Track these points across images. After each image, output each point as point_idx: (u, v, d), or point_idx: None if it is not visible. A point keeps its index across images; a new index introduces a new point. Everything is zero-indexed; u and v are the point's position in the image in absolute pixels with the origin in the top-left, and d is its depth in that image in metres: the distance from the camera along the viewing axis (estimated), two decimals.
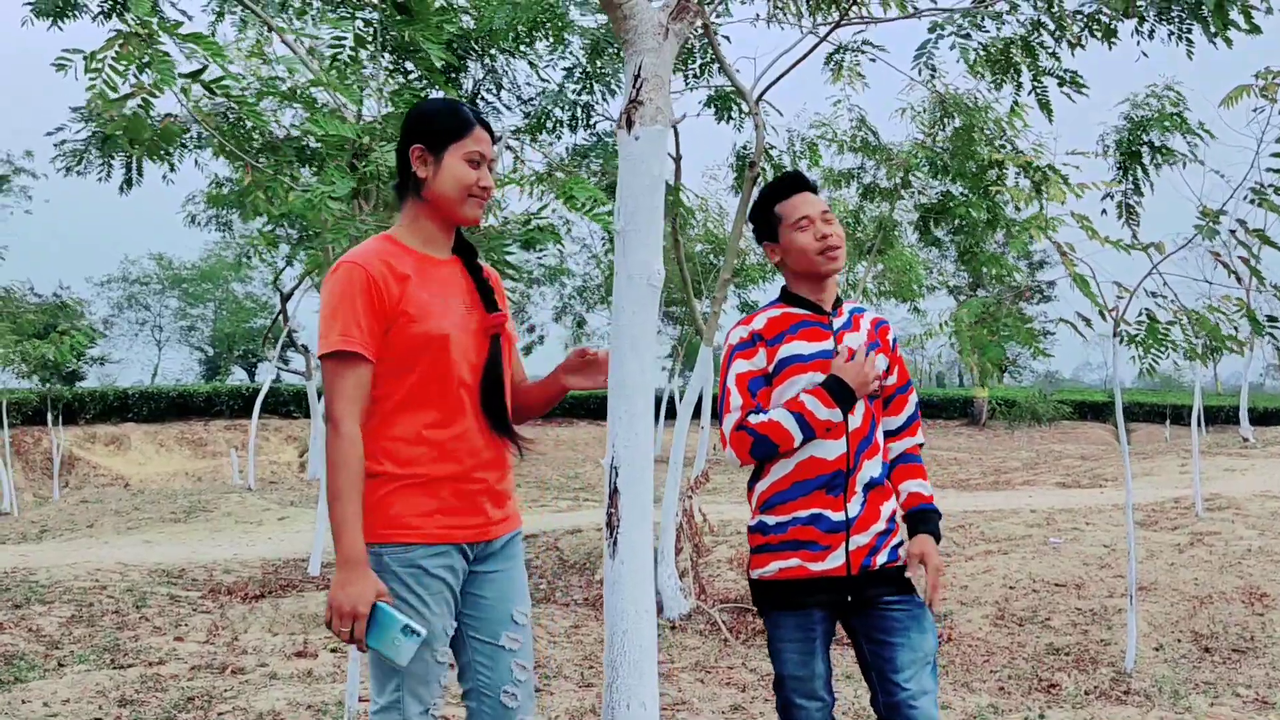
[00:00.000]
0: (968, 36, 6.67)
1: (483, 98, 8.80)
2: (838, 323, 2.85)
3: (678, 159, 9.15)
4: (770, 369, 2.76)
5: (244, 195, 4.14)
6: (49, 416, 23.44)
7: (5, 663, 5.46)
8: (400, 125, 2.59)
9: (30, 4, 6.63)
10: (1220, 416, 35.56)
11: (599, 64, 8.03)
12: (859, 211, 17.31)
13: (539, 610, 7.23)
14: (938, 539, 2.82)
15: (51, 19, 6.68)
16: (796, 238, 2.82)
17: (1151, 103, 9.08)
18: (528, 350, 37.08)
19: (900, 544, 2.85)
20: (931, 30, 6.72)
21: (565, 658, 5.85)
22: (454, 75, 8.66)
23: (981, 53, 6.85)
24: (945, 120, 14.48)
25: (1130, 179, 9.15)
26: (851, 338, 2.84)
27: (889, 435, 2.95)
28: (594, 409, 32.33)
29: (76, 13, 6.56)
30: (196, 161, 7.32)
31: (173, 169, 8.93)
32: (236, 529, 12.49)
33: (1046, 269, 37.25)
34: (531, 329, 34.64)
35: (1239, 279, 5.05)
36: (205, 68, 4.06)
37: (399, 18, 4.13)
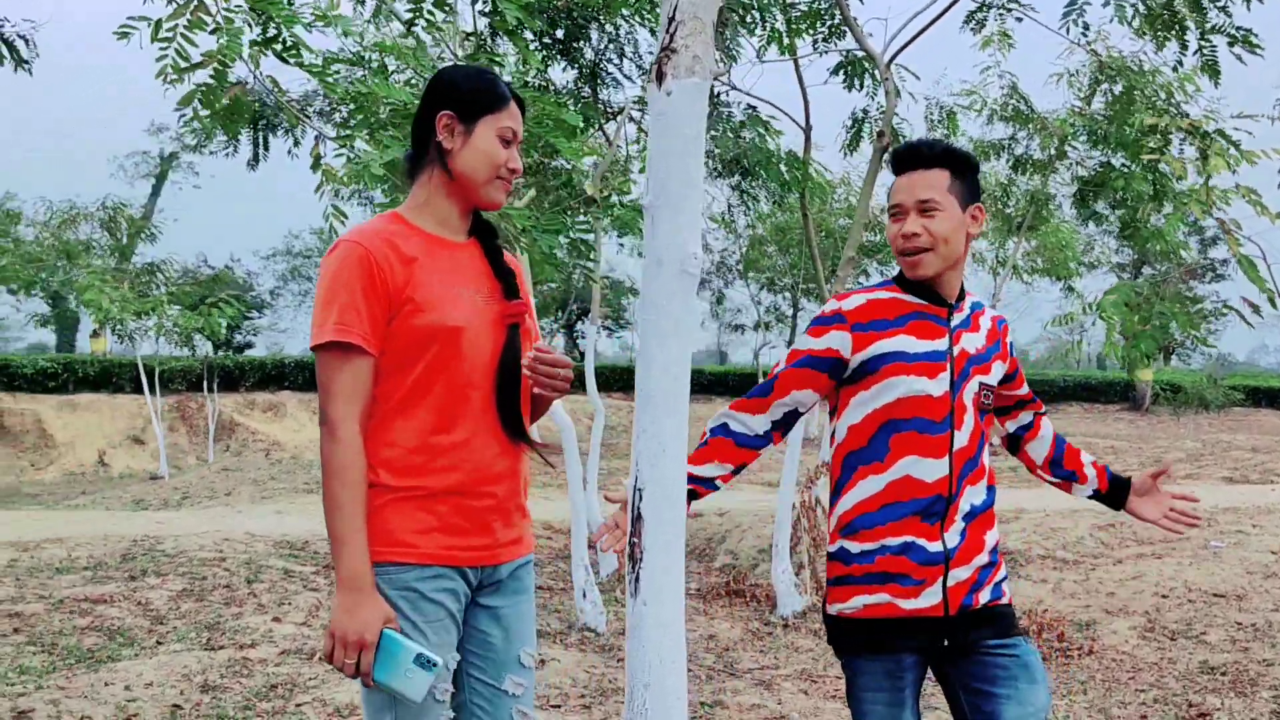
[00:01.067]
0: None
1: (604, 68, 8.50)
2: (957, 319, 2.39)
3: (807, 129, 8.66)
4: (855, 360, 2.32)
5: (314, 166, 3.94)
6: (205, 384, 24.48)
7: (108, 638, 5.50)
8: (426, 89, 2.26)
9: None
10: None
11: (724, 33, 7.60)
12: (1009, 184, 16.41)
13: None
14: None
15: None
16: (889, 226, 2.39)
17: None
18: None
19: (1004, 579, 2.43)
20: None
21: None
22: (574, 44, 8.40)
23: (1142, 8, 6.14)
24: (1105, 85, 13.52)
25: None
26: (969, 339, 2.40)
27: (1027, 431, 2.64)
28: (733, 386, 31.93)
29: None
30: (317, 137, 7.25)
31: (296, 143, 8.99)
32: None
33: (1221, 245, 34.87)
34: None
35: None
36: (278, 34, 3.87)
37: None
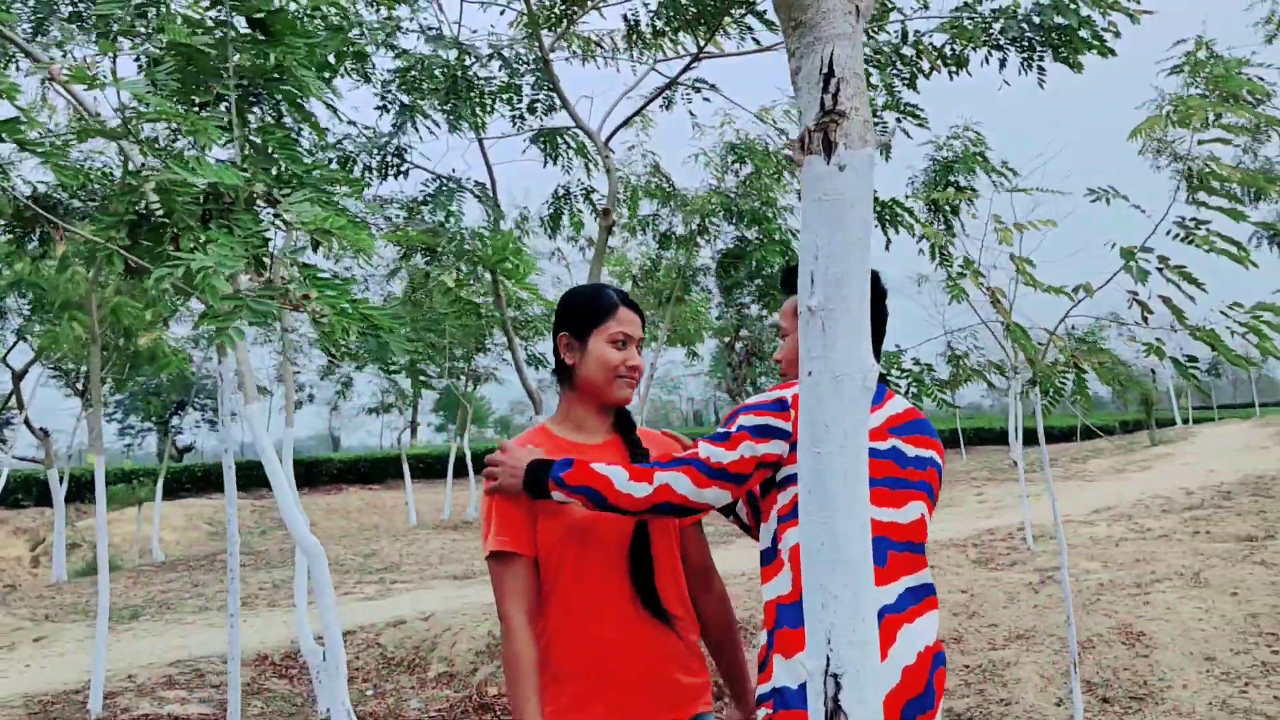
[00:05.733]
0: None
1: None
2: None
3: (495, 203, 8.38)
4: None
5: (61, 268, 3.08)
6: None
7: None
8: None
9: None
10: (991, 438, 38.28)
11: (420, 100, 7.07)
12: (657, 260, 17.10)
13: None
14: None
15: None
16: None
17: (955, 144, 9.19)
18: None
19: None
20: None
21: None
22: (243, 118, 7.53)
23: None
24: (737, 165, 14.47)
25: (941, 220, 9.18)
26: None
27: None
28: (364, 473, 30.53)
29: None
30: (62, 236, 6.03)
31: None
32: None
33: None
34: None
35: (1146, 320, 4.77)
36: None
37: (255, 37, 3.23)
